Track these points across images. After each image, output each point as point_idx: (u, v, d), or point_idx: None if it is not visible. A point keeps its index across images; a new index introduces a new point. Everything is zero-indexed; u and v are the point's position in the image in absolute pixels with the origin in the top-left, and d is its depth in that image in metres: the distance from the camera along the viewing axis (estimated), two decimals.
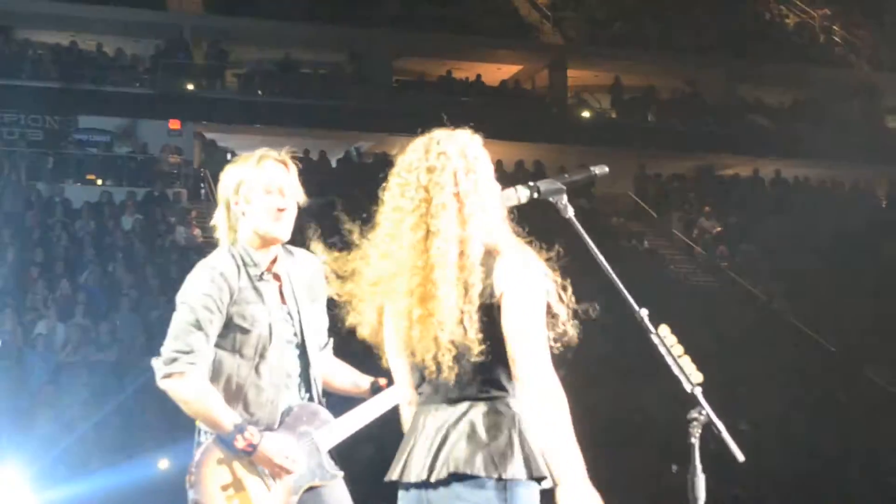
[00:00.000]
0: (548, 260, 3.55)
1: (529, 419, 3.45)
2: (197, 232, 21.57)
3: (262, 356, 4.40)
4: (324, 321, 4.61)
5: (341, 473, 4.54)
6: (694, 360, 3.45)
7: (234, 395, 4.37)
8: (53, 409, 14.66)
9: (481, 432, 3.47)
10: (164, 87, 27.30)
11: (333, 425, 4.52)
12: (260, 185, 4.45)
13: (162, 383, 4.33)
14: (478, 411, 3.50)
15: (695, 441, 3.40)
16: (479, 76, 30.84)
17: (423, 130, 3.72)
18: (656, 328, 3.48)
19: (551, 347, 3.48)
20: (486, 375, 3.50)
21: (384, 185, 3.69)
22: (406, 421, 3.74)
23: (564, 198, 3.68)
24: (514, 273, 3.46)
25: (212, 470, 4.30)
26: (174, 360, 4.28)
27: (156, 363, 4.34)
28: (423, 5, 30.81)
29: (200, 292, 4.35)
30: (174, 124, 27.01)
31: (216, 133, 28.83)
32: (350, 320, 3.72)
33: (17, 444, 12.69)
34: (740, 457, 3.39)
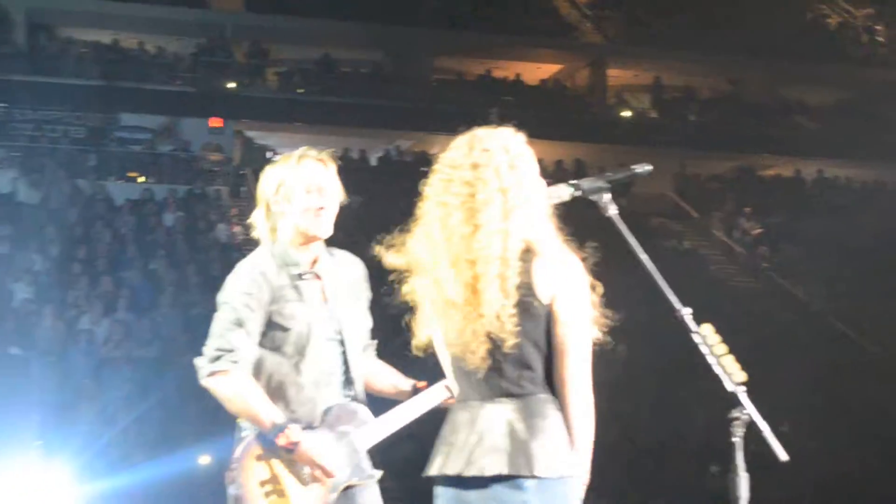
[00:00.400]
0: (584, 259, 3.57)
1: (575, 419, 3.49)
2: (237, 229, 21.68)
3: (302, 354, 4.42)
4: (367, 322, 4.63)
5: (379, 474, 4.55)
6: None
7: (275, 393, 4.40)
8: (96, 403, 14.79)
9: (519, 430, 3.49)
10: (204, 86, 27.46)
11: (373, 425, 4.54)
12: (300, 185, 4.47)
13: (205, 382, 4.36)
14: (515, 408, 3.53)
15: (737, 440, 3.39)
16: (518, 75, 30.82)
17: (464, 129, 3.74)
18: (699, 328, 3.48)
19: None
20: (523, 372, 3.52)
21: (425, 180, 3.73)
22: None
23: (607, 196, 3.69)
24: (565, 276, 3.48)
25: (252, 466, 4.32)
26: (217, 358, 4.31)
27: (198, 362, 4.37)
28: (463, 4, 30.82)
29: (241, 291, 4.39)
30: (215, 122, 27.15)
31: (256, 131, 28.94)
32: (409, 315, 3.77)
33: (61, 439, 12.81)
34: (783, 456, 3.37)
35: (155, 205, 22.16)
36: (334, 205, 4.53)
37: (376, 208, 20.84)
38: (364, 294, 4.64)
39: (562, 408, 3.50)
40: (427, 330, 3.74)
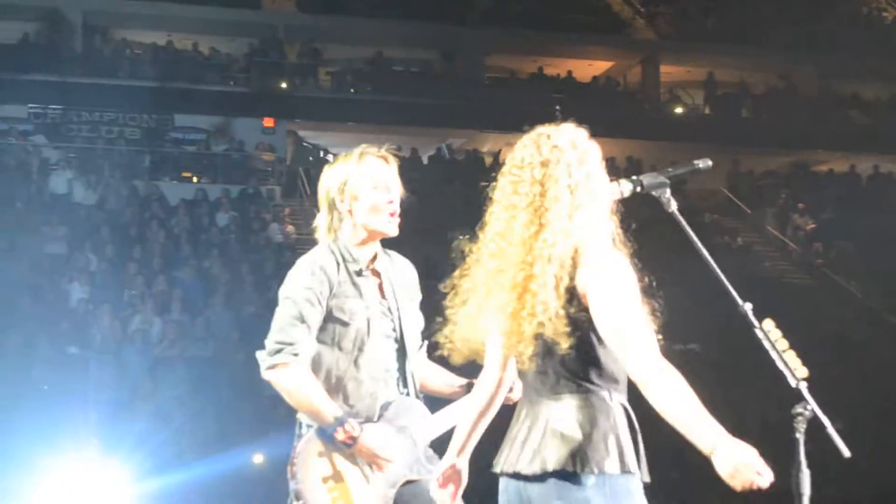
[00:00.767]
0: (634, 255, 3.56)
1: (658, 407, 3.40)
2: (290, 229, 21.79)
3: (360, 349, 4.46)
4: (420, 322, 4.66)
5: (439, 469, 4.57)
6: None
7: (334, 387, 4.44)
8: (151, 402, 14.92)
9: (576, 427, 3.49)
10: (258, 86, 27.61)
11: (432, 420, 4.56)
12: (366, 182, 4.50)
13: (266, 374, 4.41)
14: (572, 405, 3.53)
15: (799, 436, 3.36)
16: (570, 72, 30.75)
17: (523, 128, 3.73)
18: (760, 323, 3.46)
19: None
20: (577, 370, 3.52)
21: (493, 184, 3.70)
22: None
23: (668, 192, 3.68)
24: (602, 272, 3.46)
25: (313, 461, 4.36)
26: (278, 351, 4.36)
27: (260, 355, 4.43)
28: (515, 2, 30.79)
29: (302, 286, 4.43)
30: (268, 122, 27.29)
31: (309, 131, 29.07)
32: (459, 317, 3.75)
33: (117, 437, 12.93)
34: (846, 452, 3.33)
35: (208, 204, 22.30)
36: (398, 203, 4.57)
37: (428, 207, 20.90)
38: (417, 296, 4.68)
39: (652, 401, 3.41)
40: (473, 340, 3.74)
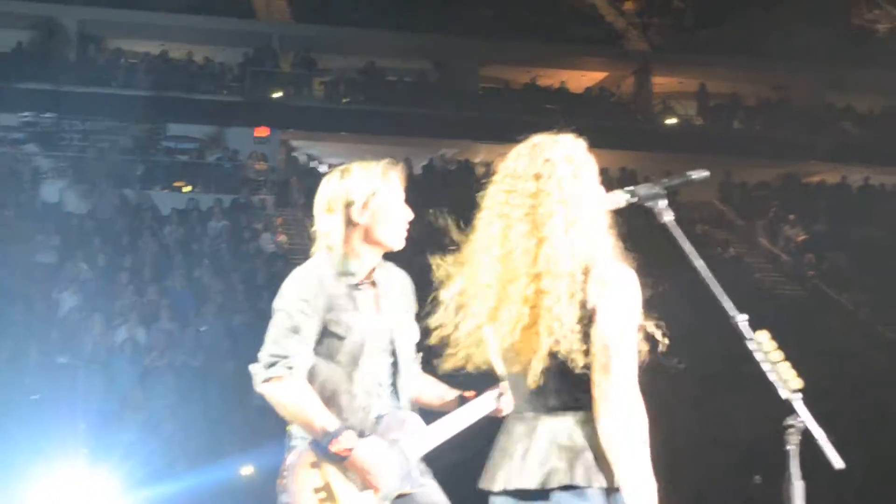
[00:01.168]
0: (638, 269, 3.54)
1: (607, 436, 3.41)
2: (282, 238, 21.77)
3: (355, 364, 4.43)
4: (415, 334, 4.63)
5: (432, 482, 4.56)
6: None
7: (328, 401, 4.40)
8: (140, 412, 14.88)
9: (580, 442, 3.47)
10: (251, 95, 27.62)
11: (424, 433, 4.54)
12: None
13: (260, 388, 4.36)
14: (574, 420, 3.51)
15: (792, 448, 3.35)
16: (563, 83, 30.80)
17: (518, 137, 3.70)
18: (753, 335, 3.45)
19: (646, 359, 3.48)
20: (581, 386, 3.49)
21: (484, 191, 3.66)
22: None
23: (663, 202, 3.65)
24: (610, 286, 3.44)
25: (304, 474, 4.33)
26: (272, 364, 4.32)
27: (254, 368, 4.39)
28: (509, 13, 30.82)
29: (298, 297, 4.39)
30: (261, 132, 27.29)
31: (302, 140, 29.08)
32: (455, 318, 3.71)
33: (106, 447, 12.89)
34: (838, 463, 3.32)
35: (200, 214, 22.28)
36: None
37: (420, 217, 20.89)
38: (412, 307, 4.64)
39: (602, 427, 3.44)
40: (471, 347, 3.72)
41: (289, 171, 27.14)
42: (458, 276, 3.69)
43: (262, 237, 21.51)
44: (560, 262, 3.44)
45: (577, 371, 3.45)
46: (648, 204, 3.65)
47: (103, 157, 24.85)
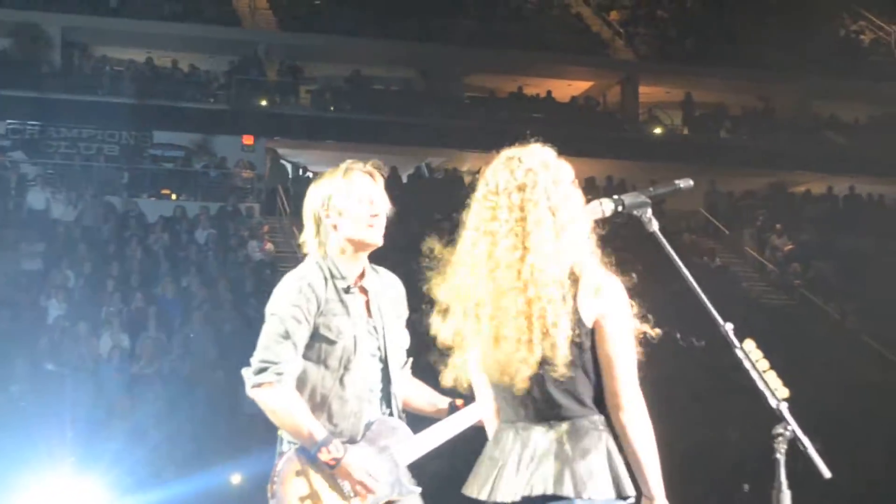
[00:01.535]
0: (625, 275, 3.56)
1: (631, 439, 3.45)
2: (269, 246, 21.75)
3: (346, 368, 4.44)
4: (406, 340, 4.65)
5: (419, 489, 4.56)
6: None
7: (319, 405, 4.42)
8: (128, 420, 14.84)
9: (569, 452, 3.48)
10: (237, 103, 27.60)
11: (413, 441, 4.55)
12: (351, 196, 4.50)
13: (251, 393, 4.39)
14: (564, 431, 3.52)
15: (780, 457, 3.36)
16: (549, 92, 30.84)
17: (494, 146, 3.71)
18: (741, 343, 3.47)
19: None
20: (571, 394, 3.50)
21: (465, 209, 3.66)
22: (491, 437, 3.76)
23: (649, 211, 3.66)
24: (607, 299, 3.46)
25: (292, 480, 4.34)
26: (263, 370, 4.34)
27: (246, 373, 4.41)
28: (495, 22, 30.87)
29: (288, 303, 4.41)
30: (248, 140, 27.29)
31: (289, 148, 29.07)
32: (439, 331, 3.72)
33: (94, 455, 12.86)
34: (826, 473, 3.34)
35: (187, 221, 22.25)
36: (384, 216, 4.56)
37: (407, 225, 20.90)
38: (404, 312, 4.66)
39: (618, 431, 3.48)
40: (465, 364, 3.73)
41: (275, 179, 27.12)
42: (448, 296, 3.68)
43: (250, 245, 21.49)
44: (546, 269, 3.45)
45: (567, 380, 3.47)
46: (635, 212, 3.66)
47: (90, 165, 24.82)
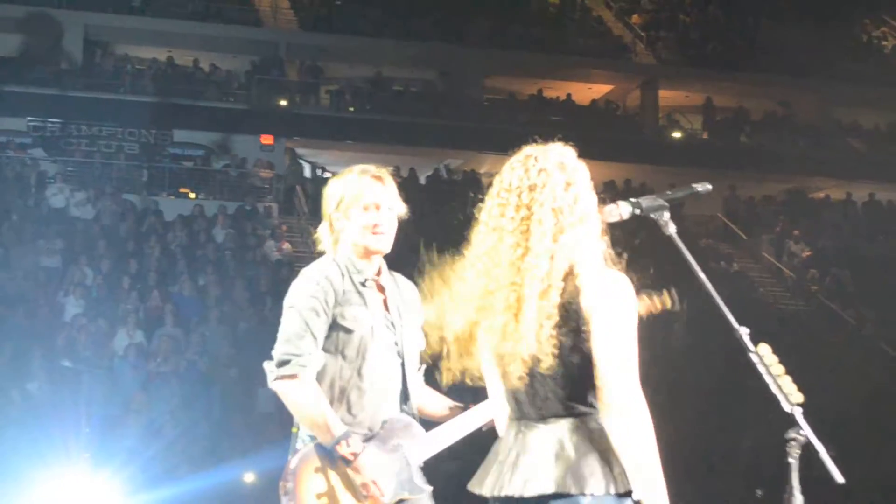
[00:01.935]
0: (639, 277, 3.56)
1: (617, 439, 3.45)
2: (287, 246, 21.77)
3: (364, 358, 4.47)
4: (421, 341, 4.66)
5: (430, 488, 4.57)
6: None
7: (338, 397, 4.45)
8: (143, 416, 14.88)
9: (570, 449, 3.48)
10: (257, 103, 27.65)
11: (425, 440, 4.57)
12: (358, 202, 4.55)
13: (273, 385, 4.42)
14: (565, 428, 3.52)
15: (793, 461, 3.35)
16: (569, 95, 30.81)
17: (515, 148, 3.72)
18: (755, 348, 3.45)
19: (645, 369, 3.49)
20: (572, 392, 3.51)
21: (480, 205, 3.70)
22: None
23: (666, 214, 3.65)
24: (605, 294, 3.45)
25: (308, 478, 4.35)
26: (286, 362, 4.37)
27: (268, 366, 4.44)
28: (515, 24, 30.87)
29: (307, 295, 4.45)
30: (267, 139, 27.33)
31: (308, 148, 29.11)
32: (442, 330, 3.74)
33: (109, 451, 12.89)
34: (839, 478, 3.32)
35: (206, 220, 22.30)
36: (392, 221, 4.60)
37: (425, 226, 20.89)
38: (419, 318, 4.68)
39: (608, 431, 3.47)
40: (466, 358, 3.74)
41: (294, 179, 27.16)
42: (445, 291, 3.72)
43: (267, 244, 21.52)
44: (539, 268, 3.47)
45: (565, 377, 3.47)
46: (652, 216, 3.66)
47: (109, 163, 24.90)
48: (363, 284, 4.54)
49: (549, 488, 3.46)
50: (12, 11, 26.90)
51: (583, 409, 3.52)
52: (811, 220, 27.94)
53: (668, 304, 3.61)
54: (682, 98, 32.21)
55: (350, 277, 4.52)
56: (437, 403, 4.77)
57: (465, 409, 4.69)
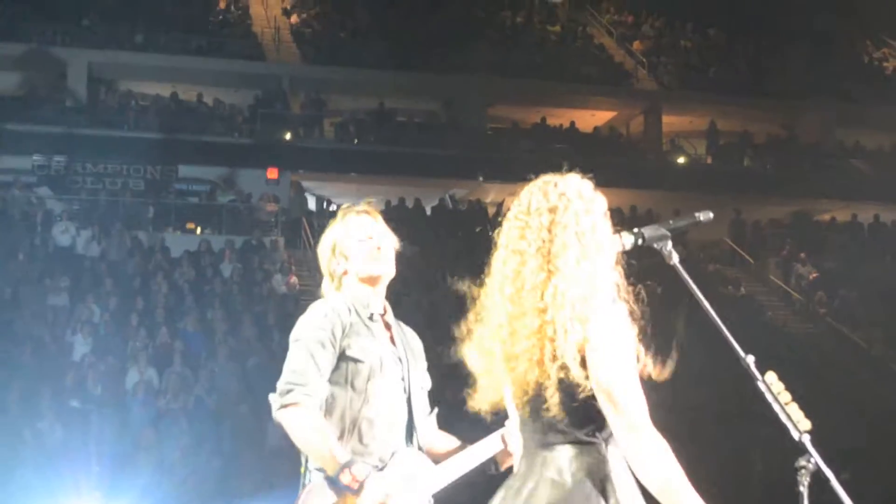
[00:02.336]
0: (639, 305, 3.55)
1: (634, 461, 3.41)
2: (294, 280, 21.78)
3: (373, 389, 4.47)
4: (428, 382, 4.69)
5: None
6: None
7: (349, 428, 4.43)
8: (154, 454, 14.85)
9: (568, 478, 3.47)
10: (262, 137, 27.72)
11: (437, 470, 4.56)
12: (352, 237, 4.60)
13: (277, 415, 4.39)
14: (566, 456, 3.51)
15: (803, 490, 3.32)
16: (573, 122, 30.86)
17: (519, 177, 3.73)
18: (762, 375, 3.44)
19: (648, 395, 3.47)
20: (576, 420, 3.50)
21: (498, 229, 3.68)
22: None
23: (669, 244, 3.64)
24: (604, 322, 3.44)
25: None
26: (289, 391, 4.35)
27: (272, 397, 4.42)
28: (518, 53, 30.96)
29: (314, 328, 4.45)
30: (272, 173, 27.38)
31: (313, 181, 29.16)
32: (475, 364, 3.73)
33: (120, 490, 12.87)
34: None
35: (212, 256, 22.32)
36: (390, 246, 4.62)
37: (431, 257, 20.90)
38: (423, 363, 4.72)
39: (630, 466, 3.45)
40: (492, 389, 3.73)
41: (299, 213, 27.21)
42: (478, 323, 3.70)
43: (275, 279, 21.54)
44: (567, 292, 3.45)
45: (578, 404, 3.46)
46: (655, 245, 3.66)
47: (115, 200, 24.96)
48: (370, 318, 4.55)
49: None
50: (16, 50, 27.07)
51: (583, 436, 3.51)
52: (817, 242, 27.94)
53: (666, 372, 3.59)
54: (686, 123, 32.27)
55: (357, 312, 4.53)
56: (448, 445, 4.76)
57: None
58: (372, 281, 4.59)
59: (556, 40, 33.00)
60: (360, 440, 4.43)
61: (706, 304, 3.55)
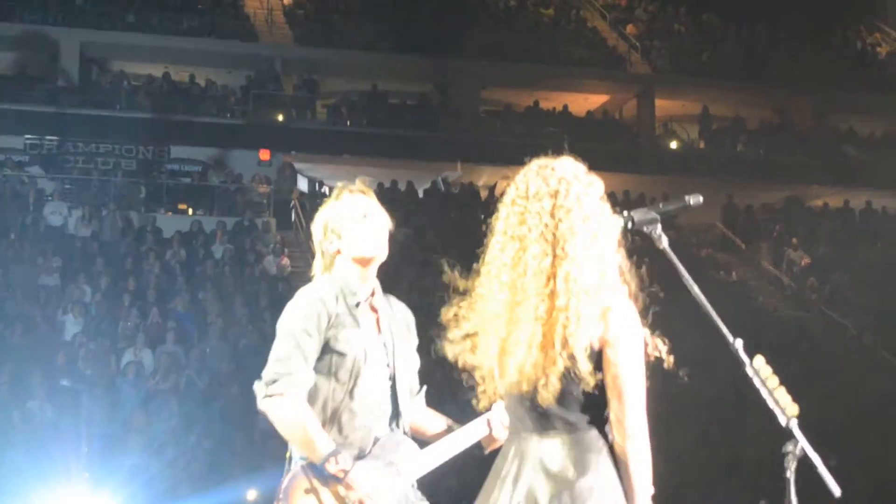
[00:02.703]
0: (639, 292, 3.54)
1: (622, 458, 3.45)
2: (285, 261, 21.77)
3: (356, 380, 4.46)
4: (416, 362, 4.67)
5: (427, 503, 4.56)
6: None
7: (330, 418, 4.44)
8: (144, 435, 14.85)
9: (569, 467, 3.47)
10: (254, 118, 27.67)
11: (420, 456, 4.55)
12: (346, 216, 4.56)
13: (262, 404, 4.39)
14: (567, 443, 3.51)
15: (790, 475, 3.33)
16: (566, 106, 30.82)
17: (512, 160, 3.71)
18: (751, 359, 3.44)
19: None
20: (580, 407, 3.50)
21: (495, 214, 3.65)
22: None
23: (659, 227, 3.62)
24: (624, 318, 3.44)
25: (299, 498, 4.33)
26: (274, 381, 4.35)
27: (257, 385, 4.42)
28: (511, 36, 30.90)
29: (299, 317, 4.44)
30: (264, 154, 27.34)
31: (305, 163, 29.11)
32: (469, 359, 3.70)
33: (109, 470, 12.88)
34: (836, 491, 3.31)
35: (204, 236, 22.29)
36: (384, 226, 4.59)
37: (424, 239, 20.90)
38: (413, 339, 4.70)
39: (618, 456, 3.46)
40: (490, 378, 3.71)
41: (286, 192, 27.15)
42: (471, 312, 3.67)
43: (266, 260, 21.51)
44: (580, 278, 3.43)
45: (577, 392, 3.45)
46: (644, 229, 3.63)
47: (107, 180, 24.91)
48: (357, 306, 4.53)
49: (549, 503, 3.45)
50: (8, 30, 26.97)
51: (582, 424, 3.51)
52: (809, 228, 27.95)
53: (662, 355, 3.59)
54: (679, 107, 32.24)
55: (344, 300, 4.51)
56: (437, 424, 4.76)
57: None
58: (364, 262, 4.57)
59: (550, 23, 32.91)
60: (340, 431, 4.43)
61: (695, 287, 3.54)
